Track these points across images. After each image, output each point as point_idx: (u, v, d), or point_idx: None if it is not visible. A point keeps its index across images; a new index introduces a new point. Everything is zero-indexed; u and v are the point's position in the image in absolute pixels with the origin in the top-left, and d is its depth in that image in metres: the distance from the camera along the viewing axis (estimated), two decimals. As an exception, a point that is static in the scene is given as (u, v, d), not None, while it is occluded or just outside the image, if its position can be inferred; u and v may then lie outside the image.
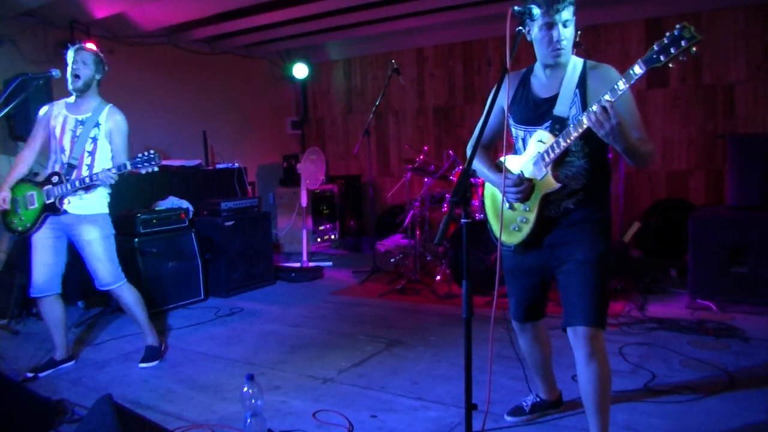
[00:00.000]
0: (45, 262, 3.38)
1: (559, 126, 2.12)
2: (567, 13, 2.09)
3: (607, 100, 1.88)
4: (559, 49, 2.13)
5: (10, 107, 3.30)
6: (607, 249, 2.19)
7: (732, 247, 4.09)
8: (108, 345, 3.94)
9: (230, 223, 5.24)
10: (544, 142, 2.15)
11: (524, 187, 2.17)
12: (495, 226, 2.37)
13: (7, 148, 5.15)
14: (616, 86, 1.89)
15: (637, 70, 1.83)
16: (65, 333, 3.59)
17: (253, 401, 2.44)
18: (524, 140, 2.26)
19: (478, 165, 2.39)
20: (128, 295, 3.52)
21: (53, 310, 3.46)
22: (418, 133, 7.69)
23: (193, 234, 5.05)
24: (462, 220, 1.87)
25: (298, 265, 6.09)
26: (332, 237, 7.58)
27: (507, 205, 2.27)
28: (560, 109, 2.15)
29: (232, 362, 3.56)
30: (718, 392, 2.78)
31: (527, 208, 2.21)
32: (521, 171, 2.22)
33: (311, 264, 6.15)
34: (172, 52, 6.71)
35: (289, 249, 7.17)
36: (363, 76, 8.11)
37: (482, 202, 2.53)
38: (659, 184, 6.23)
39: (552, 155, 2.12)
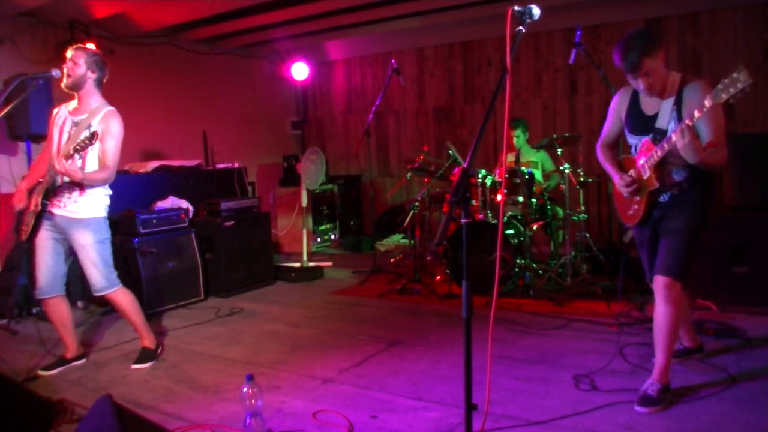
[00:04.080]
0: (46, 264, 3.37)
1: (660, 137, 2.64)
2: (647, 65, 2.52)
3: (687, 125, 2.39)
4: (646, 90, 2.63)
5: (10, 107, 3.30)
6: (696, 222, 2.69)
7: (732, 247, 4.09)
8: (108, 345, 3.94)
9: (230, 223, 5.24)
10: (648, 150, 2.68)
11: (634, 187, 2.80)
12: (619, 211, 3.03)
13: (7, 148, 5.15)
14: (694, 114, 2.37)
15: (707, 103, 2.31)
16: (74, 331, 3.59)
17: (253, 401, 2.44)
18: (636, 147, 2.82)
19: (604, 162, 3.00)
20: (123, 300, 3.49)
21: (59, 311, 3.46)
22: (418, 133, 7.69)
23: (193, 234, 5.05)
24: (462, 220, 1.87)
25: (298, 265, 6.09)
26: (332, 237, 7.59)
27: (626, 194, 2.87)
28: (661, 123, 2.66)
29: (232, 362, 3.56)
30: (718, 392, 2.78)
31: (638, 199, 2.82)
32: (633, 171, 2.80)
33: (311, 264, 6.15)
34: (172, 52, 6.71)
35: (289, 249, 7.17)
36: (363, 76, 8.11)
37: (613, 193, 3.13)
38: (659, 184, 6.22)
39: (653, 160, 2.65)
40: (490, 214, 4.78)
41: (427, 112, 7.62)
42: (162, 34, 6.39)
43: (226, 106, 7.36)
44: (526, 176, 4.83)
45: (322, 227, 7.43)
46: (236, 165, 6.35)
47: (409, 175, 5.54)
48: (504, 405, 2.73)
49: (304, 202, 6.46)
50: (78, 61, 3.28)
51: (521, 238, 4.75)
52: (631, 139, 2.85)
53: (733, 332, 3.57)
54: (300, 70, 7.77)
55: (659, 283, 2.69)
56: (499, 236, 2.26)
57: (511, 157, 5.23)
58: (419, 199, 5.38)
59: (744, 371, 3.02)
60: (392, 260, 5.99)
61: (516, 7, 2.05)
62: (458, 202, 1.85)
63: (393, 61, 5.85)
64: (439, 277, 5.17)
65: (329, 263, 6.39)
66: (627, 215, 2.95)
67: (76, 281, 4.47)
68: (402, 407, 2.82)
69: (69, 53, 3.31)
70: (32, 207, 3.29)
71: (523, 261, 4.64)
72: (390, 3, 5.84)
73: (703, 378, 2.96)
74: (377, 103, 5.69)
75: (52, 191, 3.28)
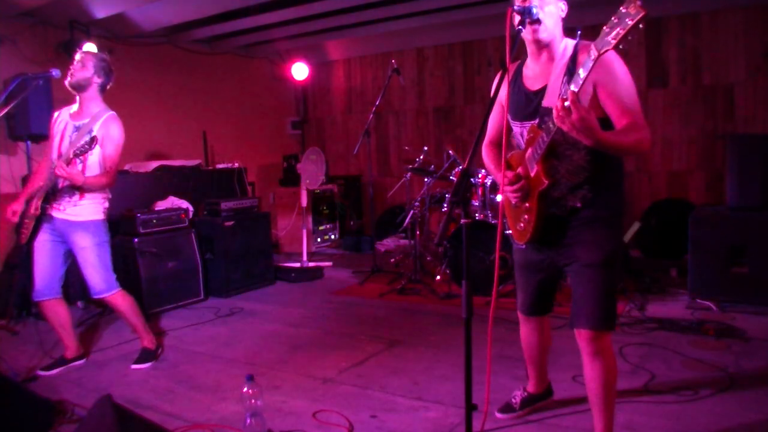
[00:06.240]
0: (43, 266, 3.38)
1: (547, 118, 1.95)
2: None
3: (570, 92, 1.70)
4: (536, 22, 1.98)
5: (10, 107, 3.30)
6: (614, 249, 2.12)
7: (732, 247, 4.09)
8: (108, 345, 3.94)
9: (230, 223, 5.24)
10: (534, 138, 2.05)
11: (520, 185, 2.10)
12: (510, 226, 2.37)
13: (7, 148, 5.15)
14: (577, 74, 1.73)
15: (592, 54, 1.68)
16: (73, 332, 3.59)
17: (253, 401, 2.44)
18: (522, 135, 2.20)
19: (488, 163, 2.45)
20: (122, 303, 3.49)
21: (56, 313, 3.46)
22: (418, 133, 7.69)
23: (193, 234, 5.04)
24: (462, 220, 1.87)
25: (298, 265, 6.08)
26: (332, 237, 7.58)
27: (514, 203, 2.22)
28: (549, 101, 2.02)
29: (232, 362, 3.56)
30: (718, 392, 2.78)
31: (527, 206, 2.16)
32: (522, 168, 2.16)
33: (311, 264, 6.15)
34: (172, 52, 6.71)
35: (289, 249, 7.17)
36: (363, 76, 8.11)
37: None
38: (659, 184, 6.23)
39: (539, 151, 2.00)
40: (489, 214, 4.78)
41: (427, 112, 7.62)
42: (162, 34, 6.39)
43: (226, 106, 7.35)
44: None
45: (322, 227, 7.43)
46: (236, 165, 6.35)
47: (408, 175, 5.54)
48: (504, 405, 2.73)
49: (304, 202, 6.46)
50: (86, 64, 3.29)
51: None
52: (516, 127, 2.22)
53: (733, 332, 3.58)
54: (300, 70, 7.77)
55: (583, 338, 2.13)
56: (499, 236, 2.25)
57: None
58: (419, 199, 5.38)
59: (744, 371, 3.02)
60: (392, 260, 5.99)
61: (516, 7, 2.03)
62: (458, 202, 1.83)
63: (393, 61, 5.85)
64: (439, 277, 5.17)
65: (329, 263, 6.39)
66: (517, 230, 2.25)
67: (76, 282, 4.46)
68: (402, 407, 2.82)
69: (78, 56, 3.32)
70: (32, 210, 3.29)
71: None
72: (390, 3, 5.84)
73: (703, 378, 2.96)
74: (377, 103, 5.69)
75: (53, 195, 3.28)
